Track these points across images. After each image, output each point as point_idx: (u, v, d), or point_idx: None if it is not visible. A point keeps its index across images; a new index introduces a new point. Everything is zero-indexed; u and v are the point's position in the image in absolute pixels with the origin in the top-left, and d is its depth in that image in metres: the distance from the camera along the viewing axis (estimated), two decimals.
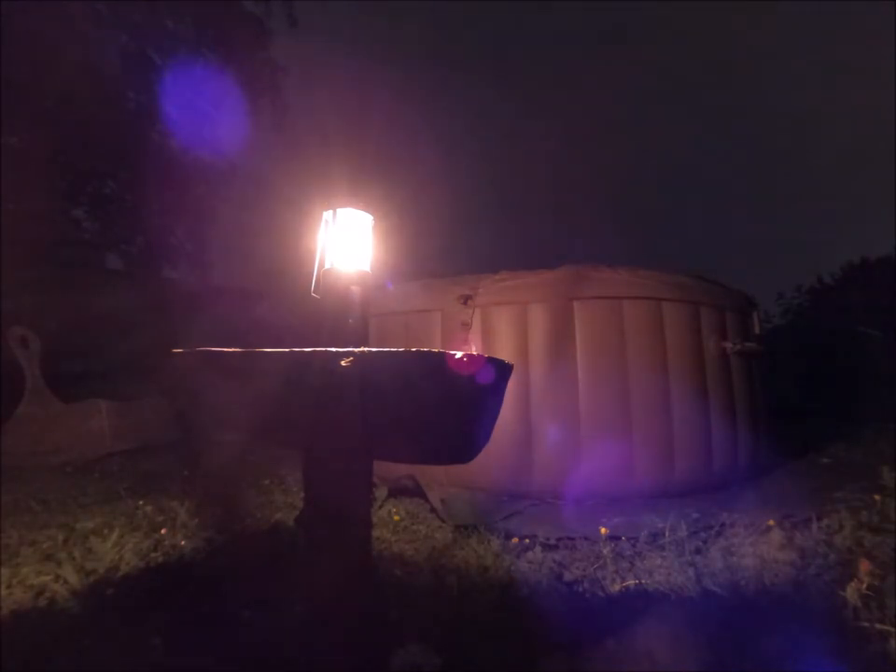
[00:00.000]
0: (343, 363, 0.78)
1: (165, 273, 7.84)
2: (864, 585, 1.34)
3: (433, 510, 2.22)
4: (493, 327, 2.76)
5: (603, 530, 1.87)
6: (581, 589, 1.50)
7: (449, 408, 0.88)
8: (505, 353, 2.64)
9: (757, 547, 1.64)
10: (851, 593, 1.32)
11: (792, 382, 5.26)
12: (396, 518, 2.07)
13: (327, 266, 1.11)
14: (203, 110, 7.24)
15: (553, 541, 1.86)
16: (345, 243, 1.12)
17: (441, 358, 0.82)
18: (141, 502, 2.29)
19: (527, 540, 1.86)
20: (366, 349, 0.80)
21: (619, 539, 1.84)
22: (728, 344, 2.85)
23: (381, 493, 2.32)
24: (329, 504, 0.96)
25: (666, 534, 1.77)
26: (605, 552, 1.67)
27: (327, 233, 1.13)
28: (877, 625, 1.19)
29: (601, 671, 1.10)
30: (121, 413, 3.83)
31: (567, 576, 1.57)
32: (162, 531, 1.90)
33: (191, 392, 1.01)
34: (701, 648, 1.11)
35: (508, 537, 1.89)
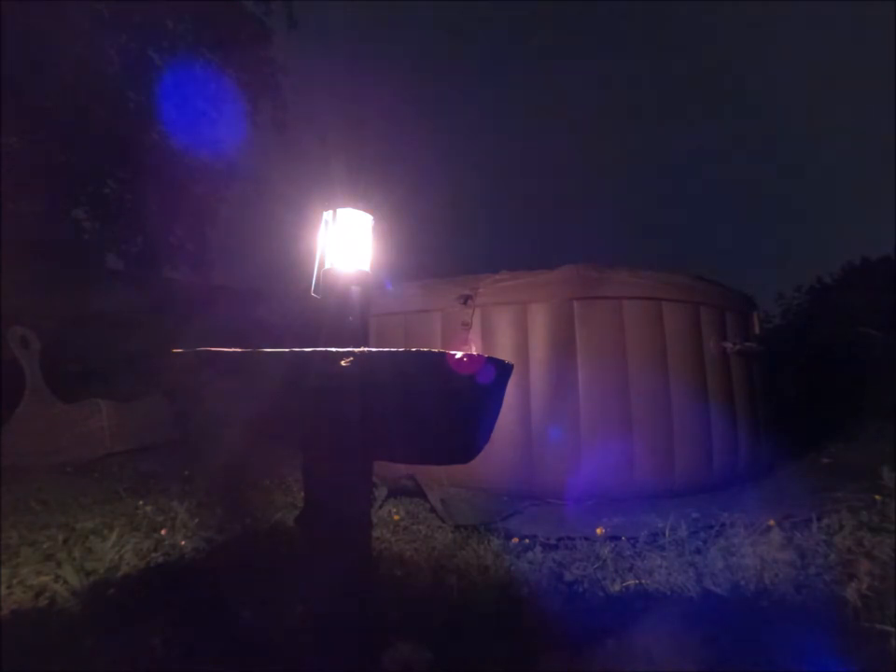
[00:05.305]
0: (343, 363, 0.78)
1: (165, 272, 7.83)
2: (864, 585, 1.34)
3: (433, 510, 2.22)
4: (493, 327, 2.76)
5: (600, 530, 1.87)
6: (581, 589, 1.50)
7: (449, 408, 0.88)
8: (505, 353, 2.64)
9: (757, 547, 1.64)
10: (851, 593, 1.32)
11: (792, 382, 5.25)
12: (396, 518, 2.07)
13: (327, 266, 1.11)
14: (202, 110, 7.24)
15: (553, 541, 1.86)
16: (345, 243, 1.12)
17: (441, 358, 0.81)
18: (141, 502, 2.29)
19: (527, 540, 1.86)
20: (366, 349, 0.80)
21: (619, 538, 1.84)
22: (728, 345, 2.85)
23: (381, 493, 2.32)
24: (329, 504, 0.96)
25: (666, 534, 1.78)
26: (605, 552, 1.67)
27: (327, 234, 1.13)
28: (877, 625, 1.19)
29: (601, 671, 1.10)
30: (121, 413, 3.83)
31: (568, 576, 1.57)
32: (162, 531, 1.90)
33: (191, 392, 1.01)
34: (701, 648, 1.11)
35: (508, 537, 1.89)
